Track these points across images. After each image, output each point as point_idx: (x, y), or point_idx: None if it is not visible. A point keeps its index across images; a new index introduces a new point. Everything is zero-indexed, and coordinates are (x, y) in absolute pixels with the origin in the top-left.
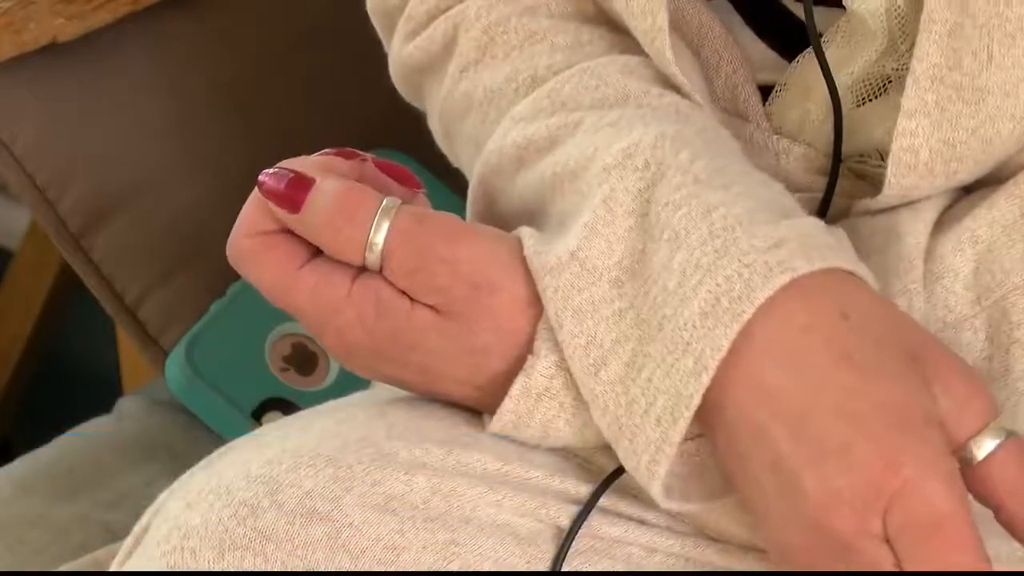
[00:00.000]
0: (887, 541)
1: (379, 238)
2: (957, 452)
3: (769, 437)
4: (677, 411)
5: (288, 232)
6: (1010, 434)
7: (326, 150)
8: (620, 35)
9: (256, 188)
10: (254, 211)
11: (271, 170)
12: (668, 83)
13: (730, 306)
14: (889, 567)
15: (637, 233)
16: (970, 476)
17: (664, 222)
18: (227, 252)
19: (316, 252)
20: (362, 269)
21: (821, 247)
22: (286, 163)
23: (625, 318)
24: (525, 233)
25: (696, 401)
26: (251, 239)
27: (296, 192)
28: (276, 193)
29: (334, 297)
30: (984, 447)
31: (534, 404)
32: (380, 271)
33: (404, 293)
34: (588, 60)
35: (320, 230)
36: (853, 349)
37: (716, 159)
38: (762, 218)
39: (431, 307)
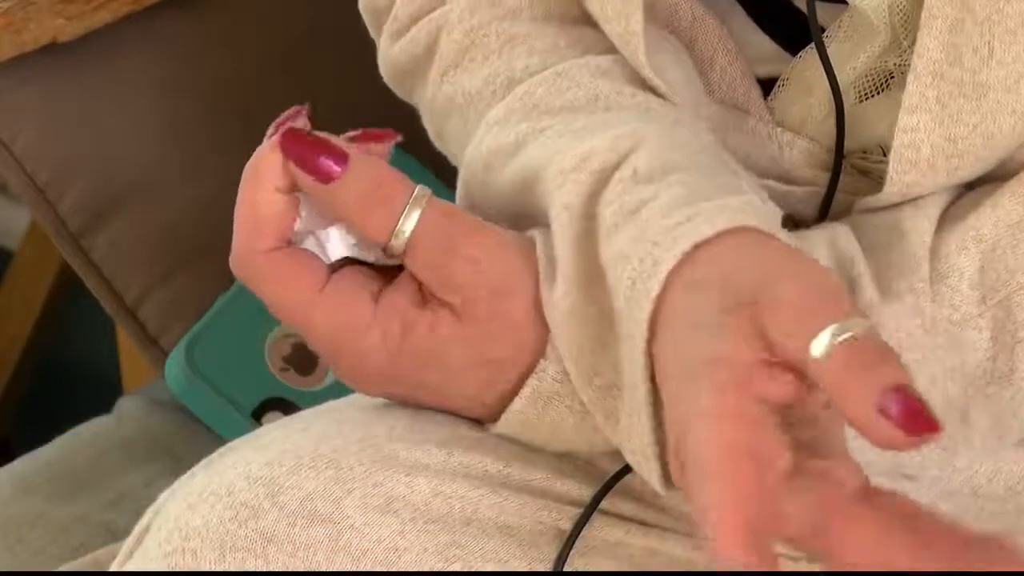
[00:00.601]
0: None
1: (408, 226)
2: (800, 361)
3: None
4: (638, 399)
5: (299, 248)
6: (854, 332)
7: (353, 132)
8: (602, 32)
9: (244, 201)
10: (251, 228)
11: (288, 126)
12: (644, 81)
13: (643, 287)
14: None
15: (589, 238)
16: (813, 378)
17: (606, 222)
18: (236, 268)
19: (332, 272)
20: (383, 287)
21: (733, 212)
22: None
23: (602, 323)
24: (538, 235)
25: (641, 387)
26: (265, 256)
27: (331, 164)
28: (304, 159)
29: (359, 318)
30: (816, 349)
31: (543, 407)
32: (402, 255)
33: (423, 302)
34: (564, 62)
35: (352, 207)
36: (692, 313)
37: (666, 153)
38: (685, 202)
39: (449, 310)
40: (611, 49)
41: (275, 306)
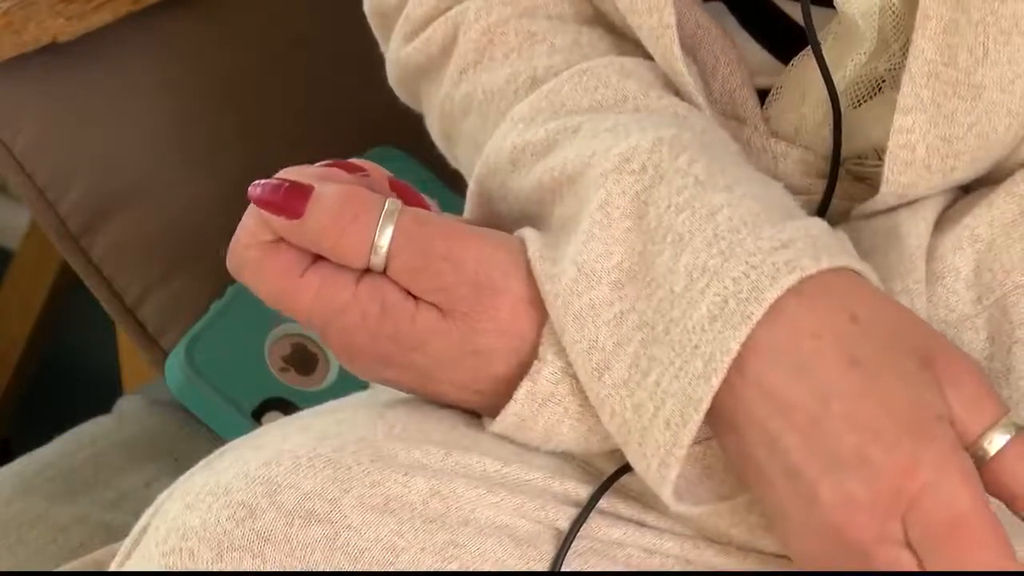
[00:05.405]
0: (908, 545)
1: (384, 240)
2: (969, 450)
3: (783, 446)
4: (687, 414)
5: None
6: (1020, 429)
7: (326, 161)
8: (617, 36)
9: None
10: (253, 221)
11: (261, 181)
12: (667, 85)
13: (738, 308)
14: (912, 569)
15: (635, 235)
16: (984, 473)
17: (667, 224)
18: (228, 262)
19: (317, 258)
20: (365, 272)
21: (827, 246)
22: (283, 172)
23: (627, 321)
24: (529, 235)
25: (706, 404)
26: (252, 249)
27: (295, 200)
28: (272, 203)
29: (339, 299)
30: (996, 443)
31: (539, 408)
32: (384, 272)
33: (409, 294)
34: (587, 61)
35: (322, 236)
36: (860, 353)
37: (715, 161)
38: (767, 219)
39: (435, 307)
40: (628, 52)
41: (260, 293)
